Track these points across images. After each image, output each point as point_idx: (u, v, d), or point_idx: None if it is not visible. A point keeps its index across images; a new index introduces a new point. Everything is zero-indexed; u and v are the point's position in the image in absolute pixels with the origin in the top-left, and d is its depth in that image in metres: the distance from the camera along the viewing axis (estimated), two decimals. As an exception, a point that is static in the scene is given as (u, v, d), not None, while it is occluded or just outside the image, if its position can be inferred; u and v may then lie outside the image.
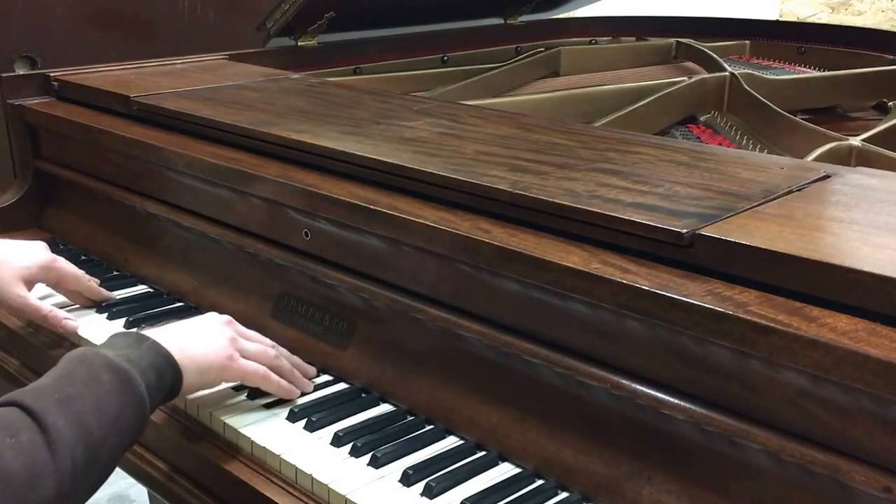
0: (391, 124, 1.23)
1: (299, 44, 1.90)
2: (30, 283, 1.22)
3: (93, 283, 1.29)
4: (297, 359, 1.09)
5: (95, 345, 1.18)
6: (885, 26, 3.65)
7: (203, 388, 1.01)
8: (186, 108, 1.35)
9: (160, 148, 1.31)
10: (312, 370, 1.09)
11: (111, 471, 0.86)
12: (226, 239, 1.25)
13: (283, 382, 1.03)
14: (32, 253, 1.24)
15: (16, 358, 1.32)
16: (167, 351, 0.93)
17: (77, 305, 1.29)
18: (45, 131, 1.58)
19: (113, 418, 0.84)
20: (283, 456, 0.94)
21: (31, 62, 1.67)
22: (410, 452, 0.94)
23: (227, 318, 1.05)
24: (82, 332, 1.21)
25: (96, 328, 1.23)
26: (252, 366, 1.01)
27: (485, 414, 0.96)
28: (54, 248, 1.51)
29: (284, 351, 1.08)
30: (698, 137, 1.61)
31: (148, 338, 0.94)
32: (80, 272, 1.28)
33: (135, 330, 0.98)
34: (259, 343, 1.05)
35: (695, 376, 0.80)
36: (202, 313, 1.25)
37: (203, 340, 0.99)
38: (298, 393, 1.04)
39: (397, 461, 0.92)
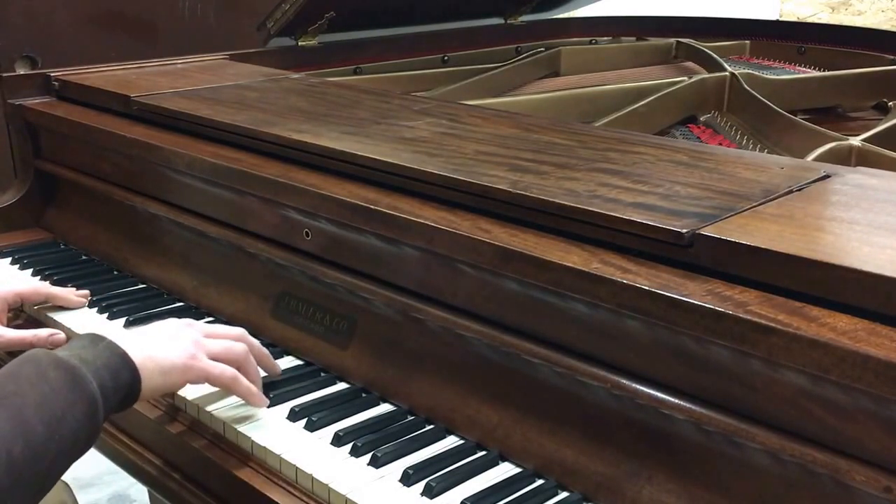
0: (391, 124, 1.23)
1: (299, 44, 1.91)
2: None
3: (57, 291, 1.28)
4: (264, 350, 1.07)
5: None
6: (885, 26, 3.66)
7: (167, 390, 0.98)
8: (186, 107, 1.35)
9: (160, 148, 1.31)
10: (278, 370, 1.08)
11: (62, 470, 0.83)
12: (226, 239, 1.25)
13: (253, 388, 1.00)
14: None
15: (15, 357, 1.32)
16: (123, 351, 0.91)
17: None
18: (45, 131, 1.58)
19: (59, 416, 0.81)
20: (283, 455, 0.94)
21: (31, 62, 1.67)
22: (410, 452, 0.94)
23: (188, 320, 1.03)
24: (83, 333, 1.21)
25: (96, 328, 1.22)
26: (217, 368, 0.98)
27: (485, 414, 0.96)
28: (55, 248, 1.51)
29: (254, 341, 1.05)
30: (698, 137, 1.61)
31: (104, 338, 0.91)
32: (39, 286, 1.29)
33: (93, 332, 0.94)
34: (225, 339, 1.02)
35: (695, 376, 0.80)
36: (202, 313, 1.26)
37: (164, 341, 0.96)
38: (266, 402, 1.01)
39: (397, 461, 0.92)
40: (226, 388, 1.00)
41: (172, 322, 1.02)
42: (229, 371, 0.99)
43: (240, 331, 1.06)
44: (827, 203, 0.91)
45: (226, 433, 1.00)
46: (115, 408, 0.90)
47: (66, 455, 0.82)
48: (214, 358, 0.99)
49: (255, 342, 1.06)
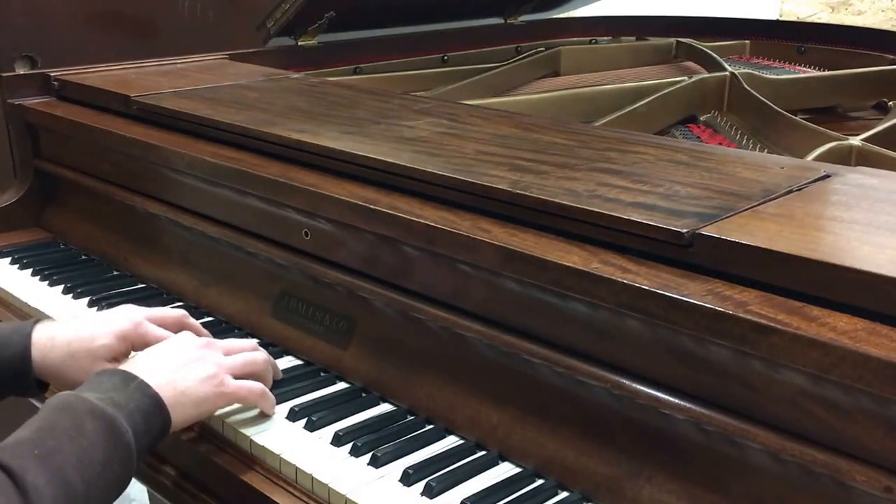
0: (391, 124, 1.23)
1: (299, 43, 1.91)
2: (119, 355, 1.03)
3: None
4: (270, 358, 1.06)
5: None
6: (886, 26, 3.65)
7: (198, 420, 0.97)
8: (186, 107, 1.35)
9: (160, 147, 1.31)
10: (279, 373, 1.07)
11: None
12: (226, 239, 1.25)
13: (274, 400, 1.01)
14: (109, 323, 1.04)
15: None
16: (155, 392, 0.89)
17: None
18: (45, 131, 1.58)
19: (98, 470, 0.80)
20: (283, 455, 0.94)
21: (31, 62, 1.67)
22: (410, 452, 0.94)
23: (204, 340, 1.01)
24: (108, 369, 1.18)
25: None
26: (244, 388, 0.98)
27: (485, 414, 0.96)
28: (55, 248, 1.51)
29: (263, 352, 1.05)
30: (698, 137, 1.61)
31: (135, 377, 0.89)
32: (136, 320, 1.05)
33: (121, 367, 0.93)
34: (243, 352, 1.01)
35: (695, 376, 0.80)
36: (202, 313, 1.26)
37: (191, 371, 0.94)
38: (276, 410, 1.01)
39: (397, 461, 0.92)
40: (252, 405, 1.00)
41: (190, 343, 0.99)
42: (257, 389, 0.99)
43: (253, 342, 1.07)
44: (827, 203, 0.91)
45: (225, 433, 1.00)
46: (145, 449, 0.89)
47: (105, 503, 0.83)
48: (238, 375, 0.99)
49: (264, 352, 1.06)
